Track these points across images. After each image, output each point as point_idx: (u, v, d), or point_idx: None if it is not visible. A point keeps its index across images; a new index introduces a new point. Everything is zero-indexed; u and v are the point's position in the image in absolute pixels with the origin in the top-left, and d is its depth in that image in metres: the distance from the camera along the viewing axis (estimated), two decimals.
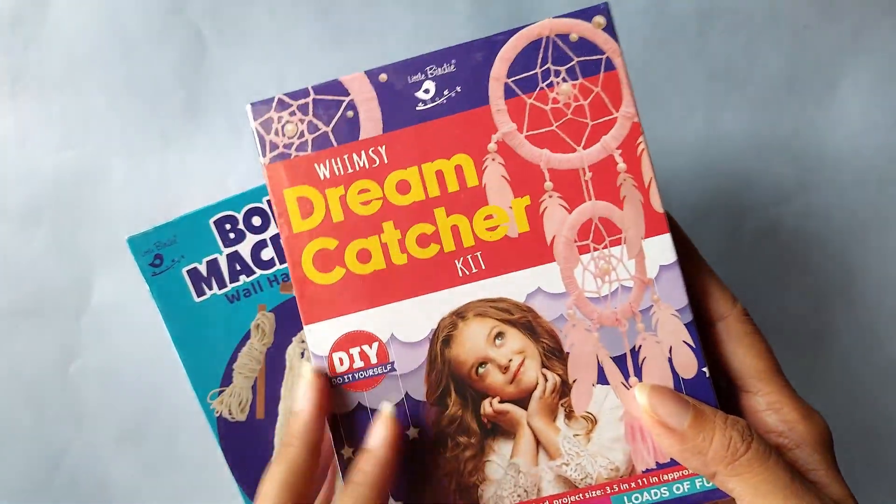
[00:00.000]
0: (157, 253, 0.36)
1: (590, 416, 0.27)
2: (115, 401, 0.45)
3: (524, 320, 0.27)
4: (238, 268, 0.36)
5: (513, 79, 0.27)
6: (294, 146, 0.28)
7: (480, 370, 0.27)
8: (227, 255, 0.36)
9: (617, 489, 0.27)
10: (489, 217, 0.27)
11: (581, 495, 0.27)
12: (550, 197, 0.27)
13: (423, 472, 0.27)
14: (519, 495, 0.27)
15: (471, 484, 0.27)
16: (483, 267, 0.27)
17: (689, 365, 0.27)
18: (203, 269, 0.36)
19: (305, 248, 0.28)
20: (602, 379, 0.27)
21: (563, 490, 0.27)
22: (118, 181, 0.44)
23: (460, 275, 0.27)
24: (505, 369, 0.27)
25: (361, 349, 0.28)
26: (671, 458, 0.27)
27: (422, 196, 0.28)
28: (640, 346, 0.27)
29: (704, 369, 0.27)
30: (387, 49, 0.43)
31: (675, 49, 0.44)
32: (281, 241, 0.29)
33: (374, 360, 0.28)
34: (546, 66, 0.27)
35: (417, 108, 0.28)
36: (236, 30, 0.44)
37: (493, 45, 0.27)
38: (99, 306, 0.44)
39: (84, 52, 0.43)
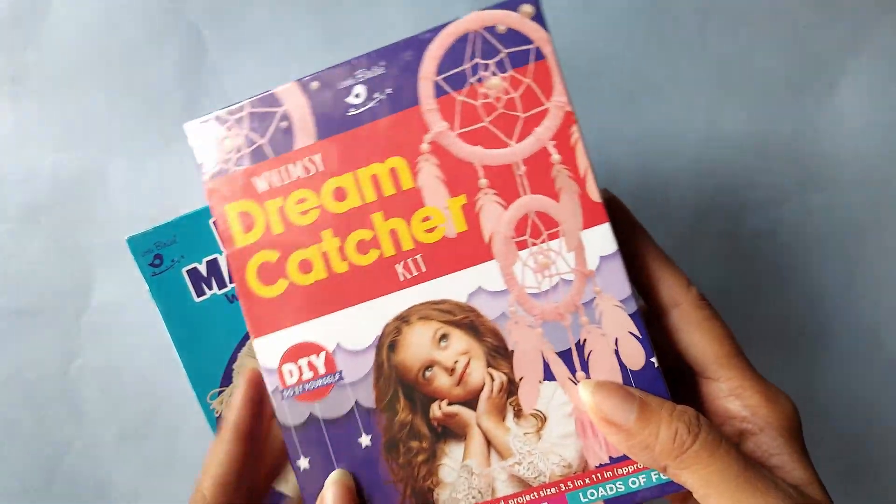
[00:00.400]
0: (157, 253, 0.36)
1: (539, 413, 0.27)
2: (116, 401, 0.45)
3: (467, 321, 0.27)
4: None
5: (442, 76, 0.27)
6: (232, 161, 0.28)
7: (427, 374, 0.27)
8: (227, 255, 0.35)
9: (571, 486, 0.26)
10: (426, 219, 0.27)
11: (535, 494, 0.27)
12: (486, 194, 0.27)
13: (378, 480, 0.27)
14: (474, 497, 0.27)
15: (425, 488, 0.27)
16: (424, 269, 0.27)
17: (636, 356, 0.26)
18: (203, 269, 0.36)
19: (249, 263, 0.28)
20: (549, 375, 0.27)
21: (518, 490, 0.27)
22: (118, 182, 0.44)
23: (402, 279, 0.27)
24: (451, 371, 0.27)
25: (309, 360, 0.28)
26: (622, 454, 0.26)
27: (358, 202, 0.28)
28: (585, 340, 0.26)
29: (653, 359, 0.26)
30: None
31: (675, 49, 0.43)
32: (225, 258, 0.30)
33: (322, 371, 0.28)
34: (475, 61, 0.27)
35: (349, 114, 0.27)
36: (236, 30, 0.44)
37: (420, 43, 0.27)
38: (99, 306, 0.45)
39: (83, 52, 0.44)
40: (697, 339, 0.27)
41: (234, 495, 0.28)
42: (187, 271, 0.36)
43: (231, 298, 0.36)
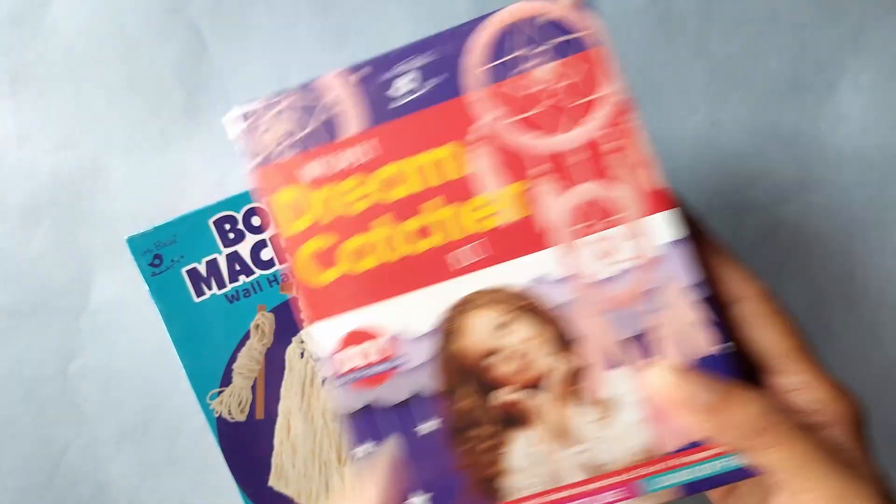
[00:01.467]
0: (157, 253, 0.36)
1: (606, 400, 0.26)
2: (115, 401, 0.45)
3: (529, 307, 0.27)
4: (238, 268, 0.36)
5: (489, 66, 0.27)
6: (276, 151, 0.27)
7: (489, 361, 0.27)
8: (227, 256, 0.36)
9: (641, 473, 0.26)
10: (479, 207, 0.27)
11: (605, 480, 0.26)
12: (542, 182, 0.27)
13: (439, 468, 0.27)
14: (540, 485, 0.26)
15: (489, 476, 0.27)
16: (481, 257, 0.27)
17: (702, 342, 0.26)
18: (202, 269, 0.36)
19: (298, 251, 0.27)
20: (616, 362, 0.26)
21: (585, 477, 0.26)
22: (117, 181, 0.44)
23: (457, 266, 0.27)
24: (514, 358, 0.27)
25: (366, 347, 0.27)
26: (694, 440, 0.26)
27: (408, 191, 0.27)
28: (651, 327, 0.26)
29: (720, 346, 0.26)
30: (388, 47, 0.43)
31: (676, 48, 0.44)
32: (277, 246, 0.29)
33: (379, 357, 0.27)
34: (522, 51, 0.27)
35: (396, 104, 0.27)
36: (236, 29, 0.44)
37: (466, 33, 0.27)
38: (98, 306, 0.45)
39: (83, 51, 0.44)
40: (765, 332, 0.27)
41: None
42: (187, 271, 0.36)
43: (230, 299, 0.36)
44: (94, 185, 0.44)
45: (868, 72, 0.44)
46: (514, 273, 0.27)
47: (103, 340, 0.45)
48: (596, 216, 0.27)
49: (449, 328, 0.27)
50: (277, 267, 0.36)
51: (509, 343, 0.27)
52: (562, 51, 0.27)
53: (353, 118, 0.27)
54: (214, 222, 0.36)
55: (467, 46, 0.27)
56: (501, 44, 0.27)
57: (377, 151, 0.27)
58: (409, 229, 0.27)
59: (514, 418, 0.27)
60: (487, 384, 0.27)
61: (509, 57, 0.27)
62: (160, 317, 0.36)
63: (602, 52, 0.27)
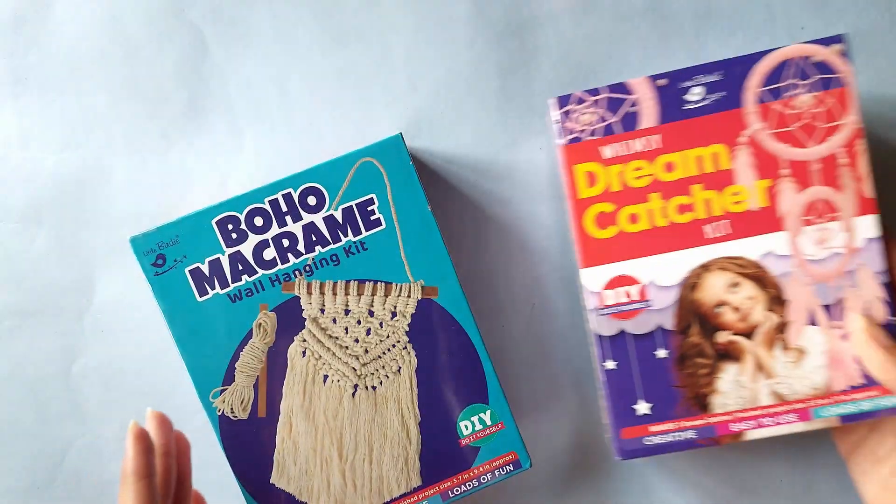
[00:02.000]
0: (160, 253, 0.36)
1: (800, 348, 0.36)
2: (118, 400, 0.45)
3: (756, 274, 0.36)
4: (240, 268, 0.37)
5: (764, 88, 0.35)
6: (586, 132, 0.36)
7: (718, 310, 0.36)
8: (230, 255, 0.37)
9: (817, 403, 0.36)
10: (736, 194, 0.36)
11: (788, 406, 0.36)
12: (785, 181, 0.36)
13: (667, 383, 0.37)
14: (741, 404, 0.36)
15: (704, 394, 0.37)
16: (728, 232, 0.36)
17: (881, 314, 0.36)
18: (205, 268, 0.36)
19: (587, 210, 0.37)
20: (812, 321, 0.36)
21: (775, 402, 0.36)
22: (120, 182, 0.44)
23: (709, 237, 0.36)
24: (737, 310, 0.36)
25: (626, 289, 0.37)
26: (861, 382, 0.36)
27: (683, 174, 0.36)
28: (844, 298, 0.36)
29: (893, 318, 0.35)
30: (387, 50, 0.44)
31: (673, 51, 0.43)
32: (568, 205, 0.38)
33: (635, 298, 0.37)
34: (792, 80, 0.35)
35: (686, 107, 0.36)
36: (237, 31, 0.44)
37: (752, 61, 0.35)
38: (101, 306, 0.45)
39: (86, 53, 0.44)
40: None
41: None
42: (190, 271, 0.36)
43: (233, 298, 0.37)
44: (97, 187, 0.44)
45: (865, 72, 0.43)
46: (751, 247, 0.36)
47: (106, 340, 0.45)
48: (820, 212, 0.35)
49: (692, 282, 0.36)
50: (279, 267, 0.37)
51: (736, 298, 0.36)
52: (822, 85, 0.35)
53: (650, 115, 0.36)
54: (217, 222, 0.36)
55: (753, 71, 0.35)
56: (778, 73, 0.35)
57: (664, 142, 0.36)
58: (676, 204, 0.36)
59: (729, 354, 0.37)
60: (713, 327, 0.37)
61: (782, 84, 0.35)
62: (163, 316, 0.36)
63: (850, 90, 0.35)
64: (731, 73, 0.35)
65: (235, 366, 0.37)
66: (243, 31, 0.44)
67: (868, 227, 0.35)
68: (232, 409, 0.37)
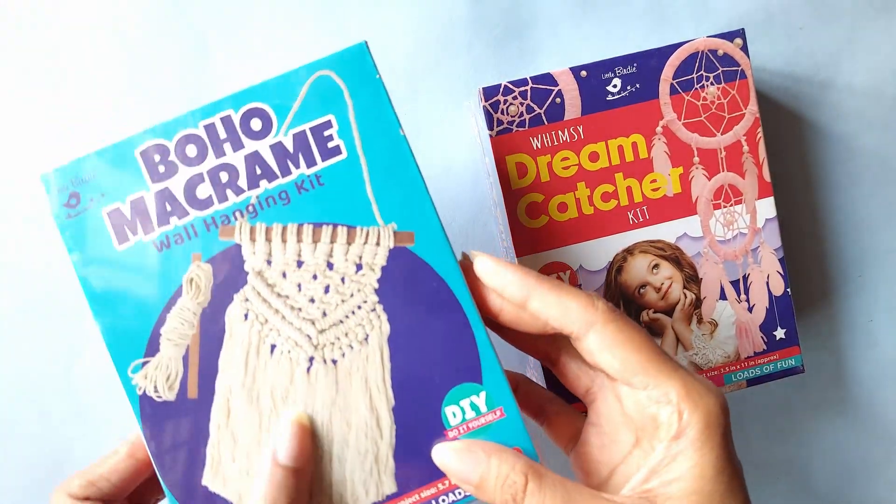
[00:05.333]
0: (73, 191, 0.29)
1: (713, 321, 0.39)
2: (119, 401, 0.42)
3: (673, 255, 0.39)
4: (168, 208, 0.30)
5: (676, 80, 0.37)
6: (515, 123, 0.37)
7: (641, 290, 0.39)
8: (156, 193, 0.30)
9: (727, 370, 0.40)
10: (654, 181, 0.38)
11: (705, 375, 0.39)
12: (697, 168, 0.38)
13: None
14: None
15: None
16: (647, 217, 0.38)
17: (778, 286, 0.39)
18: (126, 209, 0.30)
19: (520, 201, 0.37)
20: (722, 296, 0.39)
21: (694, 371, 0.39)
22: None
23: (631, 223, 0.38)
24: (658, 290, 0.39)
25: (558, 275, 0.38)
26: (763, 349, 0.40)
27: (606, 164, 0.38)
28: (749, 274, 0.39)
29: (788, 290, 0.39)
30: (388, 51, 0.44)
31: None
32: (501, 195, 0.38)
33: (567, 283, 0.38)
34: (700, 72, 0.38)
35: (607, 98, 0.37)
36: (238, 32, 0.44)
37: (664, 53, 0.37)
38: None
39: (87, 54, 0.44)
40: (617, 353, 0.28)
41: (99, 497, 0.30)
42: (108, 213, 0.30)
43: (159, 246, 0.30)
44: None
45: (863, 73, 0.45)
46: (668, 230, 0.38)
47: None
48: (727, 196, 0.39)
49: (617, 266, 0.38)
50: (216, 207, 0.30)
51: (657, 279, 0.39)
52: (726, 76, 0.38)
53: (574, 105, 0.37)
54: (142, 153, 0.30)
55: (665, 63, 0.37)
56: (688, 65, 0.37)
57: (587, 133, 0.37)
58: (601, 192, 0.38)
59: (653, 329, 0.39)
60: (638, 306, 0.39)
61: (693, 76, 0.37)
62: (73, 269, 0.30)
63: (749, 81, 0.38)
64: (646, 65, 0.37)
65: (161, 331, 0.30)
66: (244, 32, 0.44)
67: (767, 208, 0.39)
68: (156, 386, 0.30)
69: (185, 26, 0.44)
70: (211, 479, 0.30)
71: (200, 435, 0.30)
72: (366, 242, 0.30)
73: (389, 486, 0.30)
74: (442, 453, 0.29)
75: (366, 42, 0.30)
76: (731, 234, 0.39)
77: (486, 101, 0.37)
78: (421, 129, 0.45)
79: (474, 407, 0.30)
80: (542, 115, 0.37)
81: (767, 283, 0.39)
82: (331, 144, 0.30)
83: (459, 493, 0.30)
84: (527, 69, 0.45)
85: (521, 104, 0.37)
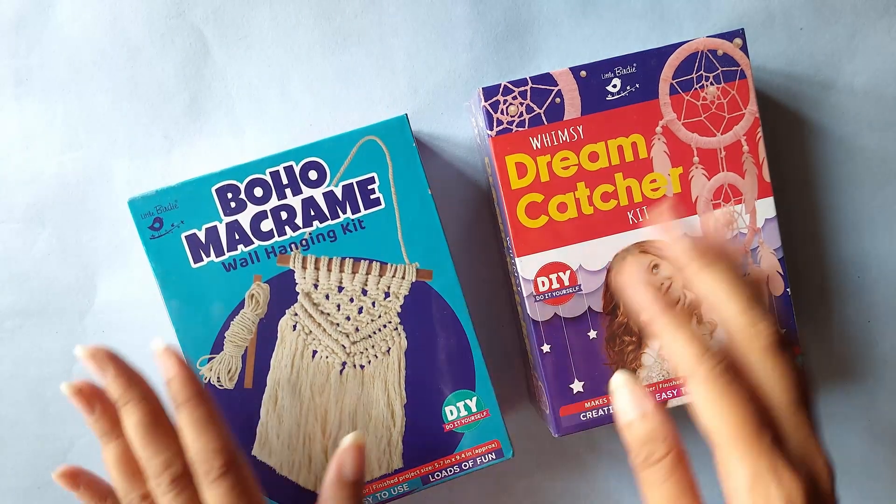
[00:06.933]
0: (157, 216, 0.36)
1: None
2: None
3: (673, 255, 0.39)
4: (237, 237, 0.37)
5: (676, 80, 0.37)
6: (515, 123, 0.37)
7: None
8: (227, 224, 0.37)
9: None
10: (653, 181, 0.38)
11: None
12: (697, 168, 0.38)
13: (598, 362, 0.39)
14: (663, 376, 0.39)
15: (632, 369, 0.39)
16: (647, 217, 0.38)
17: (778, 286, 0.39)
18: (202, 235, 0.37)
19: (520, 201, 0.37)
20: None
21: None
22: (122, 183, 0.45)
23: (631, 222, 0.38)
24: (658, 289, 0.39)
25: (558, 275, 0.38)
26: None
27: (606, 164, 0.38)
28: (748, 273, 0.39)
29: (788, 290, 0.39)
30: (387, 52, 0.44)
31: None
32: (501, 195, 0.38)
33: (566, 283, 0.38)
34: (700, 72, 0.38)
35: (607, 98, 0.37)
36: (238, 33, 0.44)
37: (664, 54, 0.37)
38: (103, 306, 0.45)
39: (87, 54, 0.44)
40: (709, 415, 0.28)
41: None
42: (186, 237, 0.37)
43: (228, 267, 0.37)
44: (98, 187, 0.44)
45: (863, 74, 0.45)
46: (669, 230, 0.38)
47: (107, 340, 0.45)
48: (726, 195, 0.39)
49: (617, 265, 0.38)
50: (276, 239, 0.37)
51: (657, 279, 0.39)
52: (726, 76, 0.38)
53: (574, 105, 0.37)
54: (217, 190, 0.36)
55: (665, 63, 0.37)
56: (688, 65, 0.37)
57: (587, 133, 0.37)
58: (601, 192, 0.38)
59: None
60: None
61: (693, 76, 0.37)
62: (155, 280, 0.36)
63: (749, 81, 0.38)
64: (646, 65, 0.37)
65: (225, 335, 0.37)
66: (244, 33, 0.44)
67: (766, 208, 0.39)
68: (219, 377, 0.37)
69: (185, 26, 0.44)
70: (259, 451, 0.38)
71: (253, 416, 0.38)
72: (394, 276, 0.38)
73: (397, 462, 0.39)
74: (621, 379, 0.32)
75: (406, 115, 0.37)
76: (731, 234, 0.39)
77: (485, 100, 0.37)
78: (421, 128, 0.45)
79: (467, 408, 0.39)
80: (542, 115, 0.37)
81: (767, 284, 0.39)
82: (373, 196, 0.38)
83: (450, 471, 0.39)
84: (527, 69, 0.45)
85: (521, 104, 0.37)
